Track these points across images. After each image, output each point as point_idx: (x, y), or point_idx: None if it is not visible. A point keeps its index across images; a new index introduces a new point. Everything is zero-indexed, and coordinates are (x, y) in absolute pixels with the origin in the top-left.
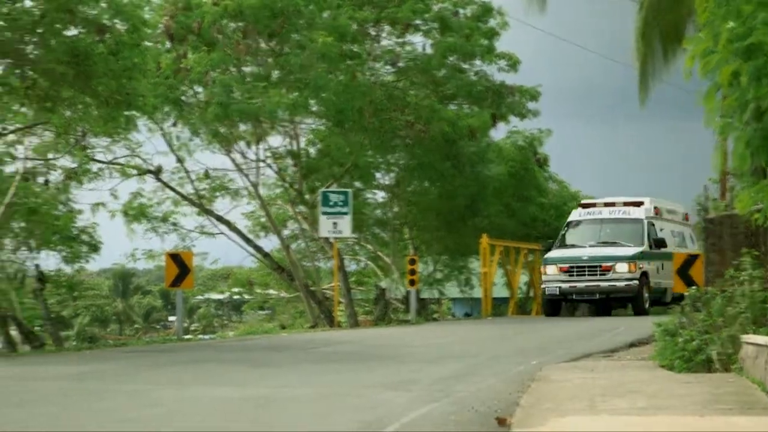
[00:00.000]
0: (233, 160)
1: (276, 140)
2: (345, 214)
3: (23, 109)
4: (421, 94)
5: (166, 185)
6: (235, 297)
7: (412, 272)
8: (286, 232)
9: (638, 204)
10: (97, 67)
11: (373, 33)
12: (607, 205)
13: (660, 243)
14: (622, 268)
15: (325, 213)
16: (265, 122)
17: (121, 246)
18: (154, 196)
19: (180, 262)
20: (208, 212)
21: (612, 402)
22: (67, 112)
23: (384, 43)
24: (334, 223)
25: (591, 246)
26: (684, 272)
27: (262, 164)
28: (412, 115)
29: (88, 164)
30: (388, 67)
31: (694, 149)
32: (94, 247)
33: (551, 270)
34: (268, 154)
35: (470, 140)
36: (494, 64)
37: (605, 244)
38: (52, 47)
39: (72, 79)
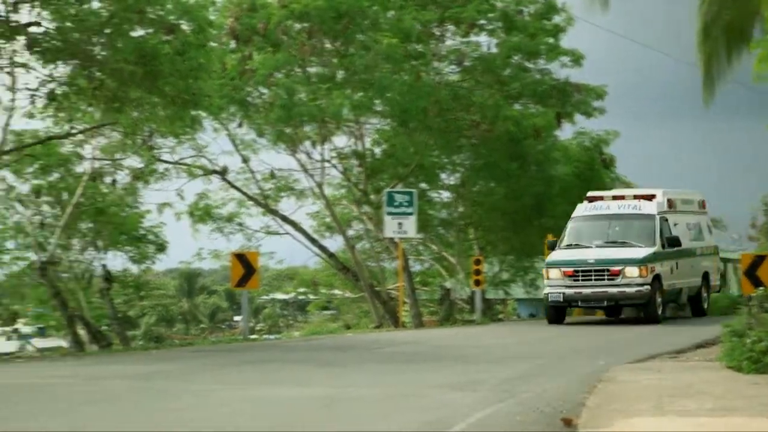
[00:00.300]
0: (298, 161)
1: (341, 140)
2: (410, 214)
3: (90, 110)
4: (486, 94)
5: (232, 185)
6: (300, 297)
7: (477, 272)
8: (350, 233)
9: (650, 197)
10: (163, 67)
11: (438, 33)
12: (615, 198)
13: (674, 242)
14: (632, 272)
15: (390, 213)
16: (330, 123)
17: (186, 246)
18: (219, 197)
19: (245, 263)
20: (273, 212)
21: (679, 403)
22: (134, 113)
23: (448, 43)
24: (399, 224)
25: (598, 246)
26: (751, 273)
27: (327, 164)
28: (477, 114)
29: (155, 164)
30: (452, 66)
31: (763, 148)
32: (161, 248)
33: (554, 274)
34: (333, 154)
35: (535, 140)
36: (558, 60)
37: (614, 244)
38: (119, 48)
39: (139, 79)
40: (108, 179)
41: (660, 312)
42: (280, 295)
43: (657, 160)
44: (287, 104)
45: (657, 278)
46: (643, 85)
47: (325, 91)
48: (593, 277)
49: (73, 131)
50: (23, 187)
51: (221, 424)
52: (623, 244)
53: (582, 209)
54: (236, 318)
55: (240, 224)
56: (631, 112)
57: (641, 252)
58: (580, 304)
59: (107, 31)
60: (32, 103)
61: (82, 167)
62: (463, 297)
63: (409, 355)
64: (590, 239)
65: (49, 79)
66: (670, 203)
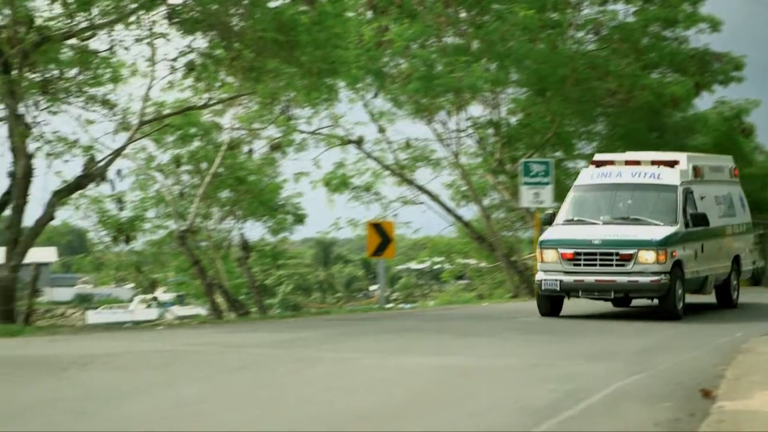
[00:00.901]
0: (434, 130)
1: (476, 110)
2: (546, 184)
3: (229, 80)
4: (622, 63)
5: (368, 155)
6: (435, 266)
7: None
8: (486, 202)
9: (672, 163)
10: (301, 37)
11: (574, 1)
12: (629, 163)
13: (700, 219)
14: (647, 257)
15: (526, 183)
16: (466, 93)
17: (322, 215)
18: (355, 166)
19: (381, 232)
20: (409, 182)
21: None
22: (272, 83)
23: (585, 12)
24: (536, 194)
25: (605, 223)
26: None
27: (462, 134)
28: (613, 83)
29: (292, 135)
30: (589, 36)
31: None
32: (299, 219)
33: (550, 256)
34: (469, 123)
35: (673, 109)
36: (695, 27)
37: (625, 221)
38: (257, 18)
39: (276, 49)
40: (245, 149)
41: (680, 306)
42: (415, 265)
43: None
44: (426, 76)
45: (678, 265)
46: None
47: (463, 63)
48: (598, 262)
49: (212, 101)
50: (163, 157)
51: (359, 392)
52: (637, 222)
53: (587, 176)
54: (372, 287)
55: (376, 194)
56: None
57: (659, 232)
58: (580, 294)
59: (245, 1)
60: (172, 73)
61: (221, 137)
62: None
63: (544, 325)
64: (596, 214)
65: (188, 49)
66: (697, 171)
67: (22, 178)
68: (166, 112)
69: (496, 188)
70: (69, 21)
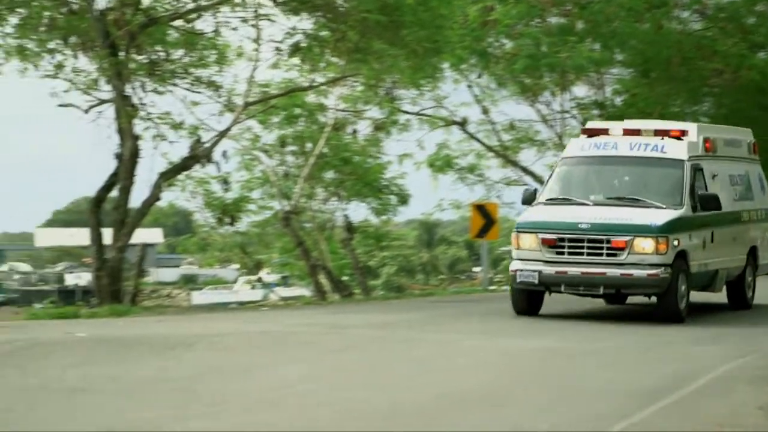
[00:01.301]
0: (538, 111)
1: (581, 90)
2: None
3: (334, 60)
4: (729, 42)
5: (472, 136)
6: None
7: None
8: None
9: (679, 134)
10: (405, 17)
11: None
12: (628, 133)
13: (710, 202)
14: (645, 246)
15: None
16: (570, 73)
17: (425, 196)
18: (459, 147)
19: (485, 213)
20: (513, 163)
21: None
22: (376, 64)
23: None
24: None
25: (596, 204)
26: None
27: (566, 115)
28: (720, 63)
29: (396, 115)
30: (695, 15)
31: None
32: (404, 200)
33: (528, 242)
34: (573, 104)
35: None
36: None
37: (620, 201)
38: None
39: (381, 30)
40: (349, 129)
41: (683, 305)
42: None
43: None
44: (533, 54)
45: (681, 256)
46: None
47: (571, 43)
48: (586, 251)
49: (316, 83)
50: (269, 137)
51: (463, 374)
52: (635, 203)
53: (576, 147)
54: (475, 269)
55: (480, 175)
56: None
57: (661, 216)
58: (563, 289)
59: None
60: (277, 54)
61: (325, 117)
62: None
63: (650, 308)
64: (585, 193)
65: (293, 31)
66: (709, 144)
67: (129, 159)
68: (272, 93)
69: None
70: (175, 2)
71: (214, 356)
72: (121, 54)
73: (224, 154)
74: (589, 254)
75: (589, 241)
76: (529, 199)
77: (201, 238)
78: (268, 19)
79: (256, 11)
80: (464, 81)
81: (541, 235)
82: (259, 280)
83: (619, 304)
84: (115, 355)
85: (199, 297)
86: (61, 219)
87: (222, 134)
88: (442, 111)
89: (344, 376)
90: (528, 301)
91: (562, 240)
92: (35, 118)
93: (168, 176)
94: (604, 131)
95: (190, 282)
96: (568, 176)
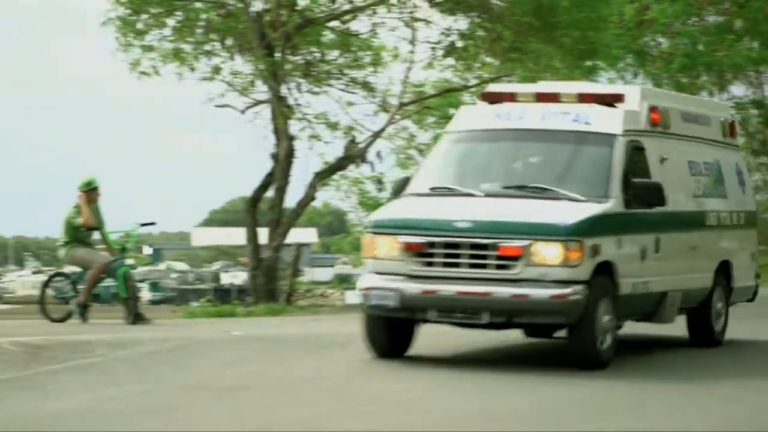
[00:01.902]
0: None
1: (739, 89)
2: None
3: (489, 60)
4: None
5: None
6: None
7: None
8: None
9: (613, 99)
10: (561, 18)
11: None
12: (542, 98)
13: (650, 194)
14: (548, 253)
15: None
16: (728, 72)
17: None
18: None
19: None
20: None
21: None
22: (532, 64)
23: None
24: None
25: (488, 196)
26: None
27: None
28: None
29: None
30: None
31: None
32: None
33: (385, 248)
34: (731, 104)
35: None
36: None
37: (521, 192)
38: (517, 0)
39: (537, 31)
40: None
41: (605, 344)
42: None
43: None
44: (691, 53)
45: (605, 270)
46: None
47: (729, 42)
48: (465, 260)
49: (471, 83)
50: (424, 137)
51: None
52: (541, 194)
53: (469, 117)
54: None
55: None
56: None
57: (575, 211)
58: (432, 315)
59: None
60: (432, 55)
61: None
62: None
63: None
64: (476, 180)
65: (448, 31)
66: (657, 116)
67: (285, 159)
68: (426, 93)
69: (758, 169)
70: (331, 3)
71: (367, 356)
72: (277, 55)
73: (378, 154)
74: (470, 266)
75: (471, 246)
76: (400, 187)
77: (355, 237)
78: (425, 21)
79: (411, 12)
80: (620, 80)
81: (403, 239)
82: None
83: (544, 338)
84: (271, 354)
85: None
86: (218, 218)
87: (376, 134)
88: None
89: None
90: (389, 334)
91: (432, 245)
92: (192, 119)
93: (323, 176)
94: (509, 96)
95: (344, 281)
96: (454, 157)
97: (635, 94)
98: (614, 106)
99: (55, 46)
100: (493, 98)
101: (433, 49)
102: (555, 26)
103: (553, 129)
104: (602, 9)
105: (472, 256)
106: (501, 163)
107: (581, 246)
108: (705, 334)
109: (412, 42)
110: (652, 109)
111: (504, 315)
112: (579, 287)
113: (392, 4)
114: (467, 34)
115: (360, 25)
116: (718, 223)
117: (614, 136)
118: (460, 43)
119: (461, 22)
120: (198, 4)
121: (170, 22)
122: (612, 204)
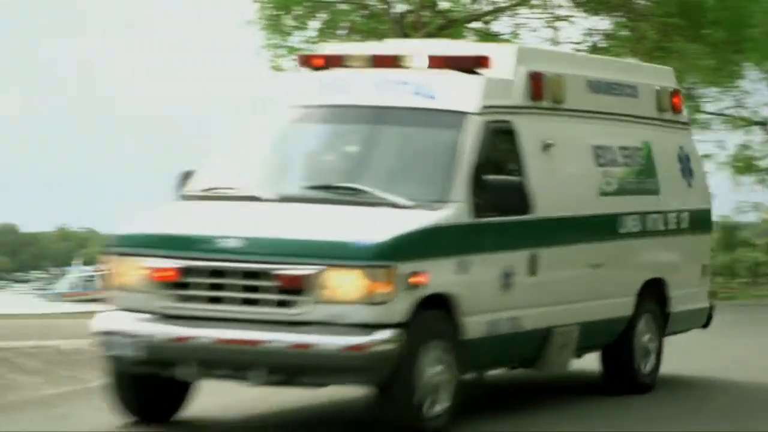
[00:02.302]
0: None
1: None
2: None
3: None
4: None
5: None
6: None
7: None
8: None
9: (473, 65)
10: (707, 16)
11: None
12: (379, 63)
13: (505, 195)
14: (341, 285)
15: None
16: None
17: (725, 198)
18: (762, 149)
19: None
20: None
21: None
22: (677, 63)
23: None
24: None
25: (280, 200)
26: None
27: None
28: None
29: (695, 114)
30: None
31: None
32: None
33: (128, 275)
34: None
35: None
36: None
37: (324, 194)
38: (662, 0)
39: (681, 30)
40: None
41: (439, 408)
42: None
43: None
44: None
45: (436, 304)
46: None
47: None
48: (235, 295)
49: None
50: None
51: None
52: (352, 197)
53: (286, 88)
54: None
55: None
56: None
57: (389, 223)
58: (192, 371)
59: None
60: None
61: None
62: None
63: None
64: (272, 176)
65: (591, 31)
66: (540, 86)
67: None
68: None
69: None
70: (473, 4)
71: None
72: None
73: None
74: (241, 301)
75: (243, 275)
76: (178, 189)
77: None
78: (567, 21)
79: (554, 12)
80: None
81: (151, 262)
82: None
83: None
84: None
85: None
86: None
87: None
88: (742, 111)
89: None
90: (142, 391)
91: (189, 272)
92: None
93: None
94: (337, 60)
95: None
96: (252, 143)
97: (509, 56)
98: (475, 73)
99: None
100: (318, 63)
101: (575, 49)
102: (701, 24)
103: (382, 105)
104: (751, 6)
105: (245, 288)
106: (311, 154)
107: (391, 273)
108: (626, 377)
109: (554, 42)
110: (534, 76)
111: (281, 372)
112: (388, 333)
113: (534, 5)
114: (611, 33)
115: (501, 25)
116: (642, 229)
117: (464, 114)
118: (603, 44)
119: (604, 22)
120: (343, 6)
121: (313, 24)
122: (452, 211)
